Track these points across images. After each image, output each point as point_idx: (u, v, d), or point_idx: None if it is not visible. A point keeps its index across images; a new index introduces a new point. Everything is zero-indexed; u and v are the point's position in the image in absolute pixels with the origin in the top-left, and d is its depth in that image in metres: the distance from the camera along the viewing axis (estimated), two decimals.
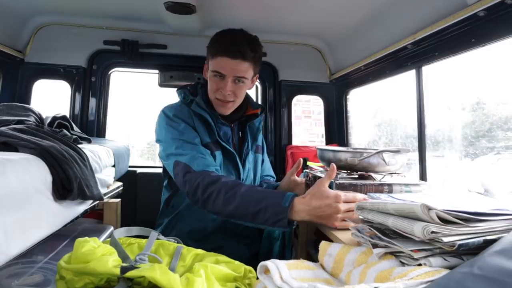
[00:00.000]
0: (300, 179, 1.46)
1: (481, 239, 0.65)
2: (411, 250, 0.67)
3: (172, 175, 1.36)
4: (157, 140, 1.45)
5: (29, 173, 0.86)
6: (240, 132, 1.56)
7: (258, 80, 1.96)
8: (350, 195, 1.04)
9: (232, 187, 1.17)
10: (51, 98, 2.45)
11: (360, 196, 1.05)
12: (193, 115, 1.41)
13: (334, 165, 1.11)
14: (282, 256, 1.47)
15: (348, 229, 1.01)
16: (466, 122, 2.34)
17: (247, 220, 1.15)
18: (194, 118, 1.41)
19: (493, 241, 0.64)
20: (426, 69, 1.63)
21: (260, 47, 1.42)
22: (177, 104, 1.48)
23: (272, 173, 1.73)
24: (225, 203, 1.16)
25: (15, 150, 0.98)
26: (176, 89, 1.53)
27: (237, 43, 1.34)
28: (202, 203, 1.22)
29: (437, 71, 1.70)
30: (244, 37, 1.37)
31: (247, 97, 1.56)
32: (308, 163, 2.14)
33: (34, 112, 1.50)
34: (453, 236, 0.64)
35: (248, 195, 1.14)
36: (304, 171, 1.61)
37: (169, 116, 1.40)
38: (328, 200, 1.03)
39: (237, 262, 0.85)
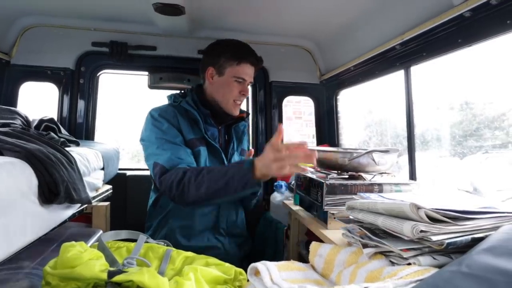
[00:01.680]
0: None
1: (469, 237, 0.66)
2: (401, 250, 0.67)
3: (152, 175, 1.42)
4: (141, 140, 1.50)
5: (14, 177, 0.84)
6: (226, 135, 1.63)
7: None
8: (290, 142, 1.12)
9: (199, 172, 1.25)
10: (38, 100, 2.40)
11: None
12: (178, 114, 1.47)
13: (281, 125, 1.18)
14: (274, 257, 1.47)
15: (338, 230, 1.03)
16: (455, 122, 2.36)
17: (221, 195, 1.22)
18: (179, 117, 1.46)
19: (481, 239, 0.64)
20: (415, 69, 1.65)
21: None
22: (164, 106, 1.53)
23: None
24: (197, 188, 1.23)
25: (0, 154, 0.96)
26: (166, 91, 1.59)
27: (253, 52, 1.53)
28: (178, 198, 1.28)
29: (425, 72, 1.72)
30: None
31: None
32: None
33: (20, 115, 1.46)
34: (441, 234, 0.65)
35: (214, 173, 1.23)
36: None
37: (154, 116, 1.46)
38: (269, 150, 1.13)
39: (227, 264, 0.84)
